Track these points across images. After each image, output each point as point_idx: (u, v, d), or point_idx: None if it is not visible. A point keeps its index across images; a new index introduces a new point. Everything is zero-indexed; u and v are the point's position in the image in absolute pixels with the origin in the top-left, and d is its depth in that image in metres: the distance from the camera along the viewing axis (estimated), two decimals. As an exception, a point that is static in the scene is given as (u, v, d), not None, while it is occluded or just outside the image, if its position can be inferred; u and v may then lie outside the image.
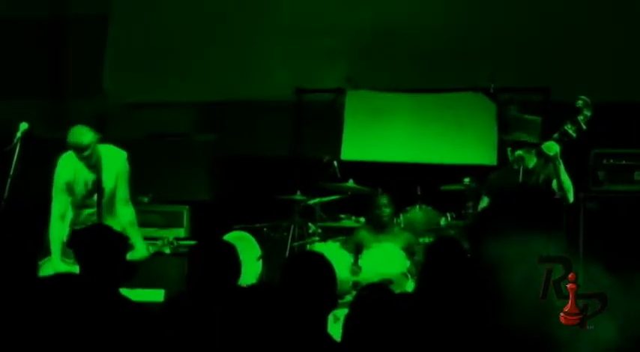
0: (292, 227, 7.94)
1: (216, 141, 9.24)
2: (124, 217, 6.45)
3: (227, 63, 9.45)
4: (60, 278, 3.82)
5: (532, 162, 6.19)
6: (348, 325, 3.70)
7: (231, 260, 4.41)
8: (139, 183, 8.40)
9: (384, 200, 7.89)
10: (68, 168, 6.39)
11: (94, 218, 6.35)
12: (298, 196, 8.00)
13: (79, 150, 6.21)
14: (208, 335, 4.05)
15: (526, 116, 6.45)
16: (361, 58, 9.24)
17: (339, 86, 9.17)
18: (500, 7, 9.08)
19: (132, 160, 8.05)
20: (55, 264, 6.29)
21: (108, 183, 6.41)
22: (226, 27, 9.46)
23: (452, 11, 9.13)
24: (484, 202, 6.57)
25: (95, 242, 4.33)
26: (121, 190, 6.47)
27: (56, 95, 9.25)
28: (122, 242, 4.47)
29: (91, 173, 6.38)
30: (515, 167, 6.17)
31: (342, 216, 8.30)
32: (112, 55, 9.61)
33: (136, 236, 6.40)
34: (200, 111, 9.52)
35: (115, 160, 6.46)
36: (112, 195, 6.42)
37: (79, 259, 4.34)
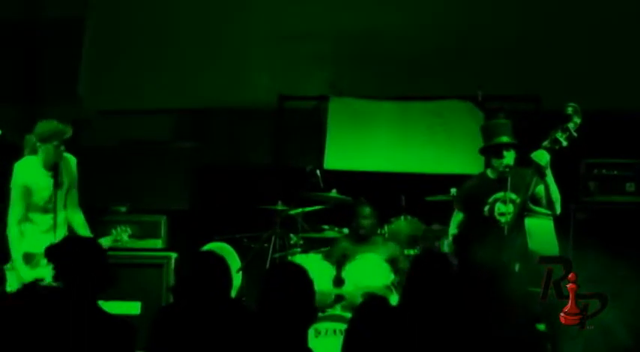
0: (273, 238, 7.81)
1: (195, 149, 9.14)
2: (77, 221, 6.59)
3: (207, 69, 9.38)
4: (37, 290, 3.92)
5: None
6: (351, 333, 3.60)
7: (223, 271, 4.36)
8: (115, 192, 8.27)
9: (366, 210, 7.72)
10: (27, 173, 6.43)
11: (52, 221, 6.39)
12: (280, 206, 7.87)
13: (65, 136, 6.33)
14: (202, 346, 4.05)
15: (499, 121, 6.30)
16: (345, 65, 9.20)
17: (323, 93, 9.11)
18: (489, 14, 9.03)
19: (107, 168, 7.93)
20: (19, 270, 6.28)
21: (65, 186, 6.53)
22: (206, 32, 9.41)
23: (439, 17, 9.08)
24: (458, 217, 6.34)
25: (74, 254, 4.28)
26: (73, 195, 6.62)
27: (30, 100, 9.14)
28: (100, 252, 4.42)
29: (50, 176, 6.41)
30: (494, 174, 6.06)
31: (325, 226, 8.18)
32: (87, 60, 9.52)
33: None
34: (179, 119, 9.47)
35: (69, 165, 6.59)
36: (66, 199, 6.55)
37: (58, 271, 4.29)
